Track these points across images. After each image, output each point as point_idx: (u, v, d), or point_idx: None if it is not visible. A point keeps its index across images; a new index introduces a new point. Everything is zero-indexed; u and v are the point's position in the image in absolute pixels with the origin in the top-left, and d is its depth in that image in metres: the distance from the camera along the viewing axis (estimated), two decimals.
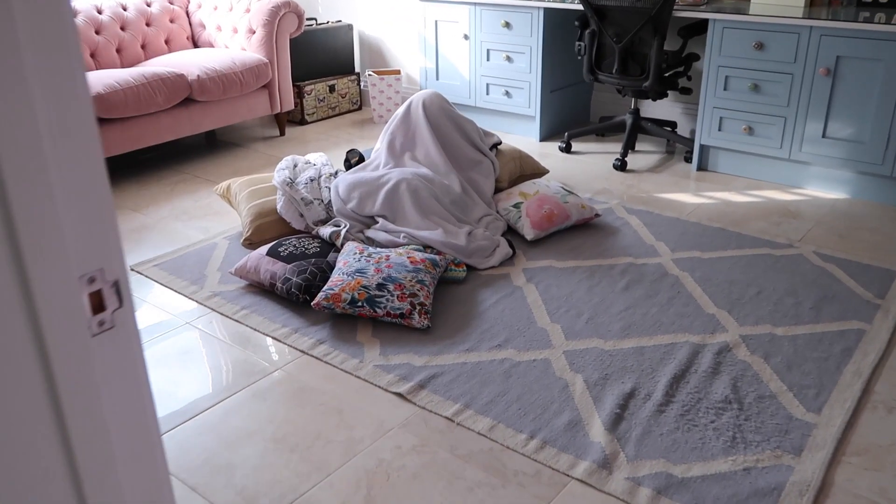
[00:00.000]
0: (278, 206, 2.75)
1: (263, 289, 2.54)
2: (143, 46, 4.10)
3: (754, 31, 3.26)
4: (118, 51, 3.99)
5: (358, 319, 2.35)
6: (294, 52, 4.51)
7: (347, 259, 2.44)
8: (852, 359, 2.11)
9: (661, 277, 2.58)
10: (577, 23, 3.74)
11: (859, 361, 2.10)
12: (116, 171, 3.78)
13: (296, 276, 2.42)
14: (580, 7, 3.68)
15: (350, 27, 4.81)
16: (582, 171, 3.67)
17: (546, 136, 4.22)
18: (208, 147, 4.17)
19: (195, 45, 4.38)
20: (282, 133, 4.35)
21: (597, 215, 2.99)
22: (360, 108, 4.92)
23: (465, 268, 2.61)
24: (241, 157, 3.98)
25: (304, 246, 2.58)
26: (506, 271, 2.66)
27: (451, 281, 2.57)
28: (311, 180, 2.84)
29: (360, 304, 2.28)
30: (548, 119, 4.18)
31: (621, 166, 3.67)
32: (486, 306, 2.42)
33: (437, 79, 4.44)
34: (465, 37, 4.22)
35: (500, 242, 2.77)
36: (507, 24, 4.02)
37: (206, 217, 3.19)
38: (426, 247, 2.64)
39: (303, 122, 4.57)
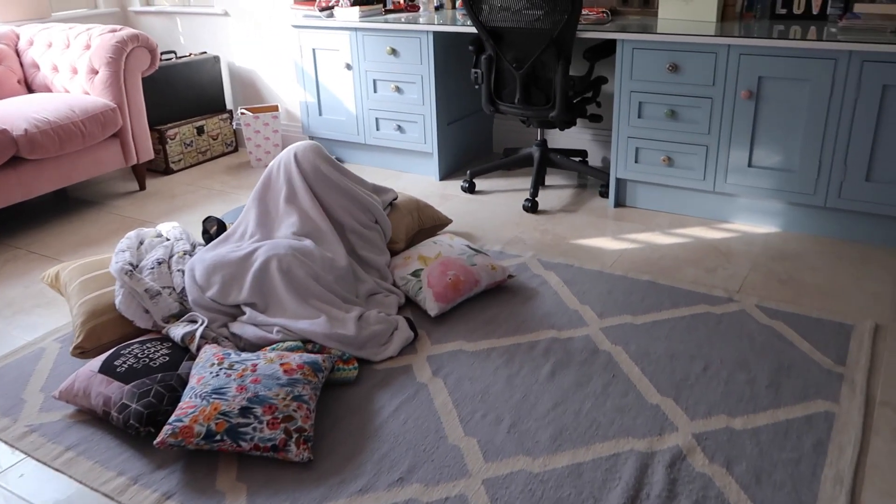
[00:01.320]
0: (117, 302, 2.18)
1: (97, 416, 1.98)
2: None
3: (667, 51, 2.91)
4: None
5: (219, 455, 1.82)
6: (152, 91, 3.90)
7: (202, 374, 1.91)
8: (827, 458, 1.74)
9: (592, 356, 2.17)
10: (471, 47, 3.32)
11: (836, 461, 1.73)
12: None
13: (135, 401, 1.87)
14: (474, 30, 3.26)
15: (216, 59, 4.23)
16: (489, 216, 3.25)
17: (447, 174, 3.78)
18: (54, 207, 3.52)
19: (29, 89, 3.71)
20: (142, 187, 3.74)
21: (510, 276, 2.56)
22: (235, 150, 4.35)
23: (356, 364, 2.12)
24: (92, 221, 3.35)
25: (149, 354, 2.03)
26: (407, 361, 2.18)
27: (340, 383, 2.08)
28: (159, 263, 2.28)
29: (218, 437, 1.76)
30: (447, 155, 3.74)
31: (532, 207, 3.26)
32: (383, 417, 1.94)
33: (321, 114, 3.93)
34: (348, 66, 3.73)
35: (399, 323, 2.29)
36: (394, 51, 3.56)
37: (35, 309, 2.58)
38: (306, 341, 2.14)
39: (167, 171, 3.97)
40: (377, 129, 3.78)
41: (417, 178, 3.76)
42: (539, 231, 3.07)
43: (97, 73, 3.48)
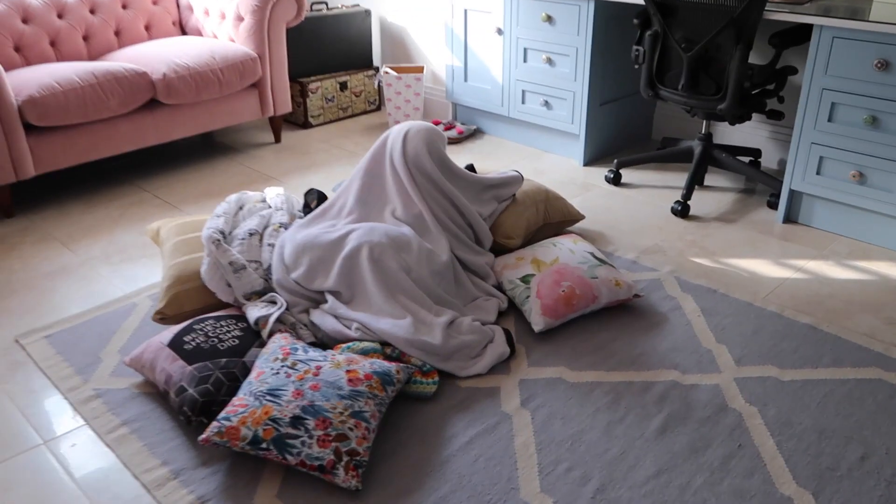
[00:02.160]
0: (202, 270, 2.06)
1: (160, 392, 1.87)
2: (116, 33, 3.47)
3: (878, 44, 2.36)
4: (85, 38, 3.36)
5: (265, 464, 1.66)
6: (298, 42, 3.80)
7: (263, 368, 1.74)
8: None
9: (717, 414, 1.79)
10: (636, 21, 2.89)
11: None
12: (65, 185, 3.17)
13: (194, 385, 1.74)
14: (642, 1, 2.83)
15: (368, 13, 4.05)
16: (630, 216, 2.85)
17: (592, 160, 3.39)
18: (188, 151, 3.52)
19: (183, 31, 3.72)
20: (277, 140, 3.67)
21: (636, 296, 2.20)
22: (378, 109, 4.19)
23: (436, 377, 1.87)
24: (221, 171, 3.31)
25: (219, 334, 1.89)
26: (495, 382, 1.91)
27: (415, 397, 1.85)
28: (251, 234, 2.14)
29: (264, 444, 1.58)
30: (596, 138, 3.36)
31: (682, 211, 2.83)
32: (453, 448, 1.69)
33: (466, 80, 3.66)
34: (499, 31, 3.42)
35: (495, 335, 2.02)
36: (550, 19, 3.20)
37: (140, 259, 2.55)
38: (385, 344, 1.92)
39: (306, 125, 3.87)
40: (523, 103, 3.46)
41: (559, 161, 3.41)
42: (685, 241, 2.65)
43: (243, 20, 3.40)
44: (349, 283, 2.02)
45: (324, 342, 1.98)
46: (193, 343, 1.85)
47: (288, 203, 2.35)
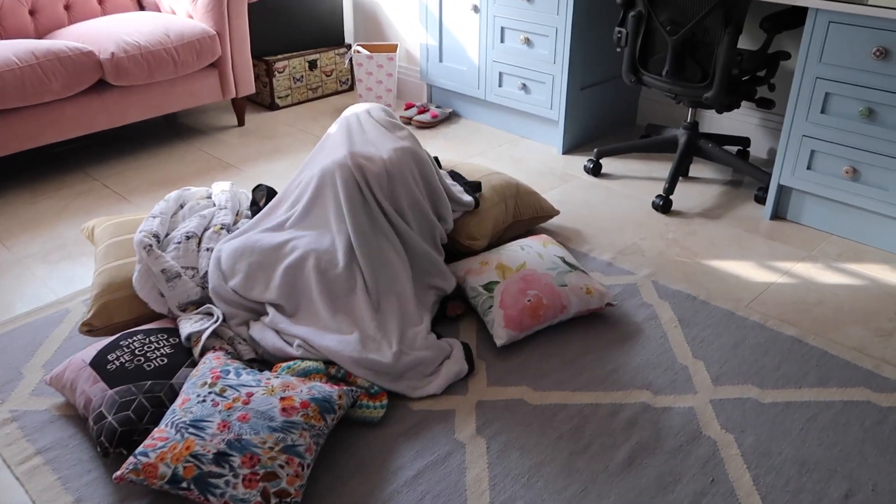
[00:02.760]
0: (134, 278, 1.88)
1: (80, 416, 1.71)
2: (66, 7, 3.24)
3: (878, 30, 2.17)
4: (32, 13, 3.14)
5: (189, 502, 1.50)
6: (264, 17, 3.58)
7: (189, 394, 1.58)
8: None
9: (690, 443, 1.63)
10: (618, 0, 2.69)
11: None
12: (10, 174, 2.97)
13: (113, 412, 1.58)
14: None
15: None
16: (608, 210, 2.68)
17: (572, 147, 3.21)
18: (142, 135, 3.32)
19: (141, 7, 3.50)
20: (240, 122, 3.47)
21: (608, 304, 2.03)
22: (351, 89, 3.98)
23: (385, 400, 1.71)
24: (178, 157, 3.12)
25: (147, 351, 1.72)
26: (451, 405, 1.75)
27: (360, 422, 1.69)
28: (188, 237, 1.95)
29: (185, 484, 1.42)
30: (576, 124, 3.17)
31: (663, 206, 2.66)
32: (398, 483, 1.53)
33: (441, 60, 3.45)
34: (475, 9, 3.21)
35: (453, 350, 1.85)
36: None
37: (80, 258, 2.37)
38: (329, 363, 1.75)
39: (273, 107, 3.67)
40: (499, 86, 3.26)
41: (537, 148, 3.22)
42: (665, 240, 2.48)
43: None
44: (292, 294, 1.84)
45: (264, 358, 1.81)
46: (118, 362, 1.68)
47: (234, 200, 2.17)
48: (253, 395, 1.56)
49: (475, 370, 1.85)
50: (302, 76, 3.70)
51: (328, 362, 1.74)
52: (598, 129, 3.30)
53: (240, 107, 3.43)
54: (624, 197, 2.78)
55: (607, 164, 3.05)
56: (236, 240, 1.90)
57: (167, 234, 2.00)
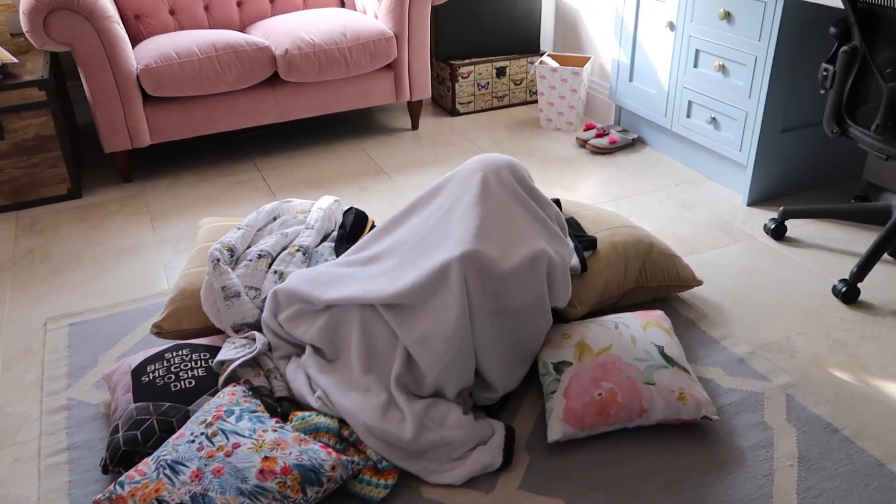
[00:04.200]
0: (202, 289, 1.88)
1: None
2: (271, 0, 3.40)
3: None
4: (239, 4, 3.33)
5: None
6: (452, 19, 3.46)
7: (186, 429, 1.52)
8: None
9: None
10: (833, 30, 2.16)
11: None
12: (188, 154, 3.19)
13: (124, 429, 1.57)
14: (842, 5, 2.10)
15: None
16: (772, 287, 2.19)
17: (760, 199, 2.69)
18: (323, 128, 3.39)
19: (342, 3, 3.56)
20: (414, 126, 3.40)
21: (705, 418, 1.63)
22: (537, 102, 3.73)
23: (392, 479, 1.52)
24: (337, 157, 3.13)
25: (181, 370, 1.70)
26: (466, 501, 1.51)
27: (358, 497, 1.51)
28: (260, 256, 1.90)
29: None
30: (770, 172, 2.64)
31: (846, 294, 2.10)
32: None
33: (631, 79, 3.09)
34: (671, 26, 2.80)
35: (494, 435, 1.60)
36: (728, 16, 2.53)
37: None
38: (345, 423, 1.60)
39: (453, 113, 3.55)
40: (687, 116, 2.83)
41: (720, 194, 2.75)
42: (831, 340, 1.96)
43: None
44: (334, 340, 1.71)
45: (296, 399, 1.71)
46: (151, 376, 1.68)
47: (326, 220, 2.08)
48: (239, 446, 1.46)
49: (511, 465, 1.58)
50: (488, 83, 3.53)
51: (344, 421, 1.59)
52: (803, 180, 2.73)
53: (415, 110, 3.36)
54: (802, 272, 2.26)
55: (796, 227, 2.50)
56: (300, 273, 1.80)
57: (248, 248, 1.97)
